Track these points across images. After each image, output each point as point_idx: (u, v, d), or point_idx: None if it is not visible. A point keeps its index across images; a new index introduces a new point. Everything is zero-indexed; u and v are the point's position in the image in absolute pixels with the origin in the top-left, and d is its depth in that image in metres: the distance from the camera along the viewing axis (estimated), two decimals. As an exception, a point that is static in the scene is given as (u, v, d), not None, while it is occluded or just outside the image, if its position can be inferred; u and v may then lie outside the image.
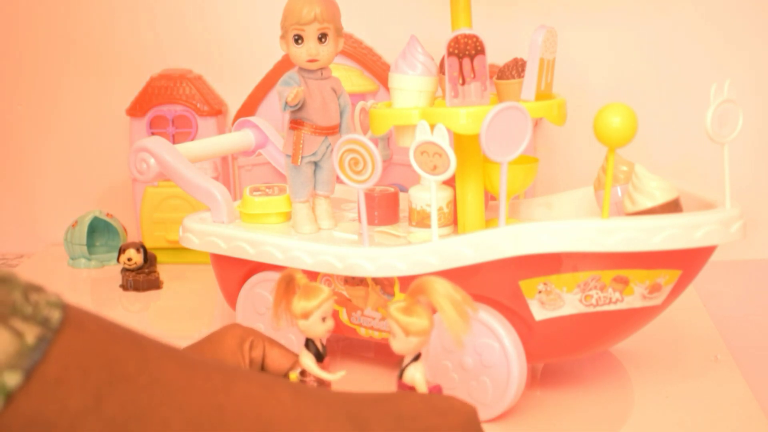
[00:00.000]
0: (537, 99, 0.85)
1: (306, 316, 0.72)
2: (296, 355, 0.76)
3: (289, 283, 0.73)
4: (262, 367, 0.77)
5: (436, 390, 0.71)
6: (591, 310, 0.80)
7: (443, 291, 0.66)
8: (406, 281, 0.85)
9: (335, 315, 0.90)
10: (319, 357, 0.75)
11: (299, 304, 0.72)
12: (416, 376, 0.70)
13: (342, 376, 0.75)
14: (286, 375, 0.77)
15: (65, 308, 0.50)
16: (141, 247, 1.22)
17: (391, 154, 1.22)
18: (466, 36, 0.82)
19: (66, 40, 1.39)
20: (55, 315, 0.49)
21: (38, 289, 0.50)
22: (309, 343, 0.75)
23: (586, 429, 0.82)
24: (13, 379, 0.47)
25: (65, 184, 1.43)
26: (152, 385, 0.52)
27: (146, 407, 0.52)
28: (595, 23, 1.29)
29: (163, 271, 1.26)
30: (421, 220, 0.89)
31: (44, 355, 0.48)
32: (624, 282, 0.79)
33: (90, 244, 1.32)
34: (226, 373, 0.57)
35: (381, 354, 0.96)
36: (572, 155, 1.31)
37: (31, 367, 0.48)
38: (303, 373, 0.75)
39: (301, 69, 0.90)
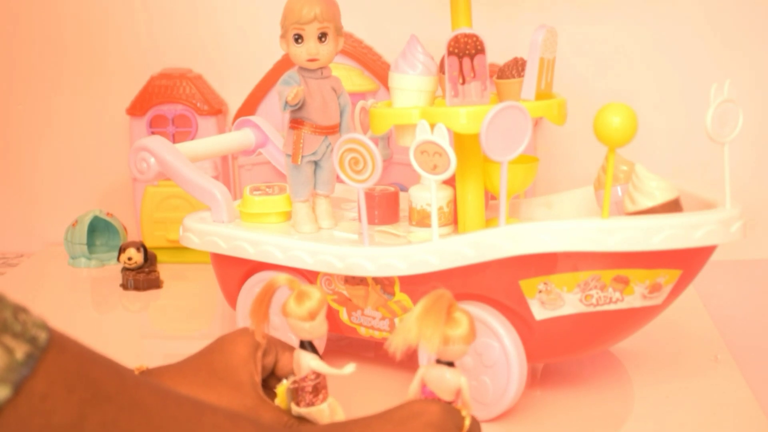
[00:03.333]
0: (537, 98, 0.85)
1: (313, 316, 0.71)
2: None
3: (272, 290, 0.72)
4: (272, 373, 0.76)
5: (428, 395, 0.70)
6: (591, 309, 0.80)
7: (424, 313, 0.66)
8: (406, 281, 0.85)
9: (336, 314, 0.90)
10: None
11: (304, 307, 0.71)
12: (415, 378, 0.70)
13: (352, 370, 0.72)
14: (271, 388, 0.76)
15: (50, 330, 0.52)
16: (141, 247, 1.22)
17: (391, 154, 1.22)
18: (466, 36, 0.82)
19: (66, 40, 1.39)
20: (42, 335, 0.51)
21: (25, 310, 0.52)
22: (306, 345, 0.73)
23: (586, 429, 0.82)
24: (2, 392, 0.49)
25: (65, 184, 1.43)
26: (132, 407, 0.54)
27: (125, 428, 0.53)
28: (596, 23, 1.29)
29: (163, 270, 1.26)
30: (421, 219, 0.89)
31: (32, 372, 0.50)
32: (624, 282, 0.79)
33: (90, 244, 1.32)
34: (194, 403, 0.59)
35: (381, 354, 0.96)
36: (572, 155, 1.31)
37: (19, 381, 0.49)
38: (298, 381, 0.73)
39: (301, 68, 0.90)
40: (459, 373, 0.69)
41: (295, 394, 0.72)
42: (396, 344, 0.65)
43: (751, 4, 1.27)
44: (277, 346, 0.76)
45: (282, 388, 0.73)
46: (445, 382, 0.69)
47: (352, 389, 0.78)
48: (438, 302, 0.66)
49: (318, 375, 0.72)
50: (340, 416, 0.73)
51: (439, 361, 0.69)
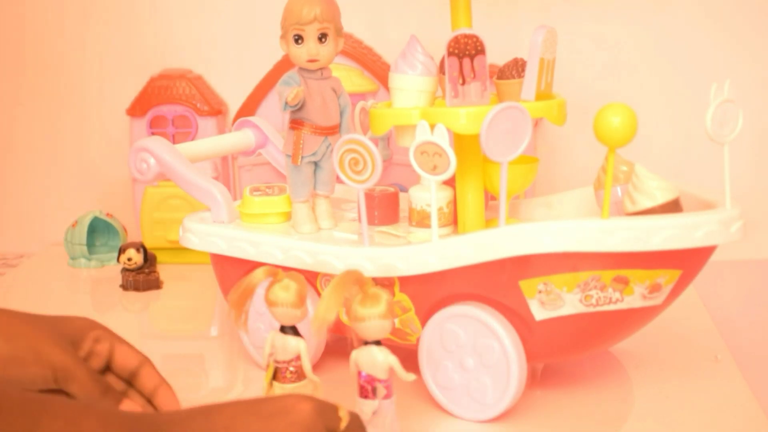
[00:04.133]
0: (537, 99, 0.85)
1: (303, 299, 0.75)
2: (142, 355, 0.75)
3: (254, 286, 0.75)
4: (110, 361, 0.74)
5: (366, 378, 0.73)
6: (591, 310, 0.80)
7: (329, 291, 0.69)
8: (406, 281, 0.85)
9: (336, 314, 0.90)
10: None
11: (292, 291, 0.75)
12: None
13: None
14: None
15: None
16: (141, 247, 1.22)
17: (391, 154, 1.22)
18: (466, 36, 0.82)
19: (66, 39, 1.39)
20: None
21: None
22: (288, 329, 0.76)
23: (586, 429, 0.82)
24: None
25: (65, 184, 1.43)
26: None
27: None
28: (595, 23, 1.29)
29: (163, 271, 1.26)
30: (421, 220, 0.89)
31: None
32: (624, 282, 0.79)
33: (90, 244, 1.32)
34: (31, 413, 0.56)
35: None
36: (572, 155, 1.31)
37: None
38: (278, 373, 0.77)
39: (301, 69, 0.90)
40: (387, 351, 0.71)
41: (278, 372, 0.76)
42: (314, 324, 0.68)
43: (751, 4, 1.27)
44: (112, 337, 0.75)
45: (268, 378, 0.77)
46: (376, 362, 0.71)
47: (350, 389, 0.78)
48: (343, 279, 0.69)
49: (299, 359, 0.77)
50: (320, 394, 0.76)
51: (366, 343, 0.71)
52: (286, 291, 0.75)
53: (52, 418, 0.57)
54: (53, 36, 1.39)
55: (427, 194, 0.87)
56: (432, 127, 0.78)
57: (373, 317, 0.70)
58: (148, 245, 1.26)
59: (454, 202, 0.89)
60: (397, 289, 0.86)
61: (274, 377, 0.77)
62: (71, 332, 0.72)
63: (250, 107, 1.30)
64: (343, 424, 0.64)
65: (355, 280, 0.71)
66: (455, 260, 0.81)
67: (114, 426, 0.58)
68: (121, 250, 1.22)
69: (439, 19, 0.99)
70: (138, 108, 1.31)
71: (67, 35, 1.39)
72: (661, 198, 0.81)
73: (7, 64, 1.41)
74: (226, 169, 1.31)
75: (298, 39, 0.88)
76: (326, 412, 0.63)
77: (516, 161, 0.85)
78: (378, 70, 1.26)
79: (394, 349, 0.74)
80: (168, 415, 0.61)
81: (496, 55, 0.96)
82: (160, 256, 1.29)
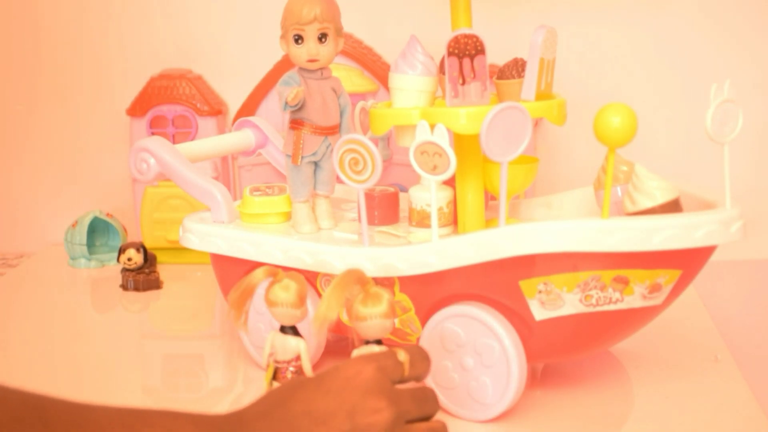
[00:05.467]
0: (537, 99, 0.85)
1: (303, 300, 0.76)
2: None
3: (254, 286, 0.75)
4: None
5: None
6: (591, 310, 0.80)
7: (331, 290, 0.69)
8: (406, 281, 0.85)
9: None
10: None
11: (292, 292, 0.75)
12: None
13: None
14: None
15: None
16: (141, 247, 1.22)
17: (391, 154, 1.22)
18: (466, 36, 0.82)
19: (66, 40, 1.39)
20: None
21: None
22: (288, 329, 0.77)
23: (586, 429, 0.82)
24: None
25: (65, 184, 1.43)
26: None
27: None
28: (596, 23, 1.29)
29: (163, 271, 1.26)
30: (421, 220, 0.89)
31: None
32: (624, 282, 0.79)
33: (90, 244, 1.32)
34: (129, 424, 0.59)
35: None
36: (572, 155, 1.31)
37: None
38: (278, 373, 0.77)
39: (301, 69, 0.90)
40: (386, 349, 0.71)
41: (278, 372, 0.77)
42: (315, 323, 0.68)
43: (750, 3, 1.27)
44: None
45: (269, 377, 0.77)
46: None
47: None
48: (344, 278, 0.70)
49: (299, 359, 0.77)
50: None
51: (367, 342, 0.72)
52: (286, 291, 0.75)
53: (149, 427, 0.59)
54: (53, 36, 1.39)
55: (427, 194, 0.87)
56: (432, 127, 0.78)
57: (374, 316, 0.71)
58: (148, 245, 1.26)
59: (454, 202, 0.89)
60: (397, 289, 0.86)
61: (274, 377, 0.77)
62: None
63: (250, 107, 1.30)
64: (406, 370, 0.65)
65: (356, 279, 0.71)
66: (455, 260, 0.81)
67: (205, 426, 0.61)
68: (121, 250, 1.22)
69: (439, 19, 0.99)
70: (138, 108, 1.31)
71: (67, 35, 1.39)
72: (661, 198, 0.81)
73: (7, 64, 1.41)
74: (226, 169, 1.31)
75: (298, 39, 0.88)
76: (388, 366, 0.65)
77: (516, 161, 0.85)
78: (378, 70, 1.26)
79: (394, 349, 0.74)
80: (251, 411, 0.63)
81: (496, 55, 0.96)
82: (160, 256, 1.29)
